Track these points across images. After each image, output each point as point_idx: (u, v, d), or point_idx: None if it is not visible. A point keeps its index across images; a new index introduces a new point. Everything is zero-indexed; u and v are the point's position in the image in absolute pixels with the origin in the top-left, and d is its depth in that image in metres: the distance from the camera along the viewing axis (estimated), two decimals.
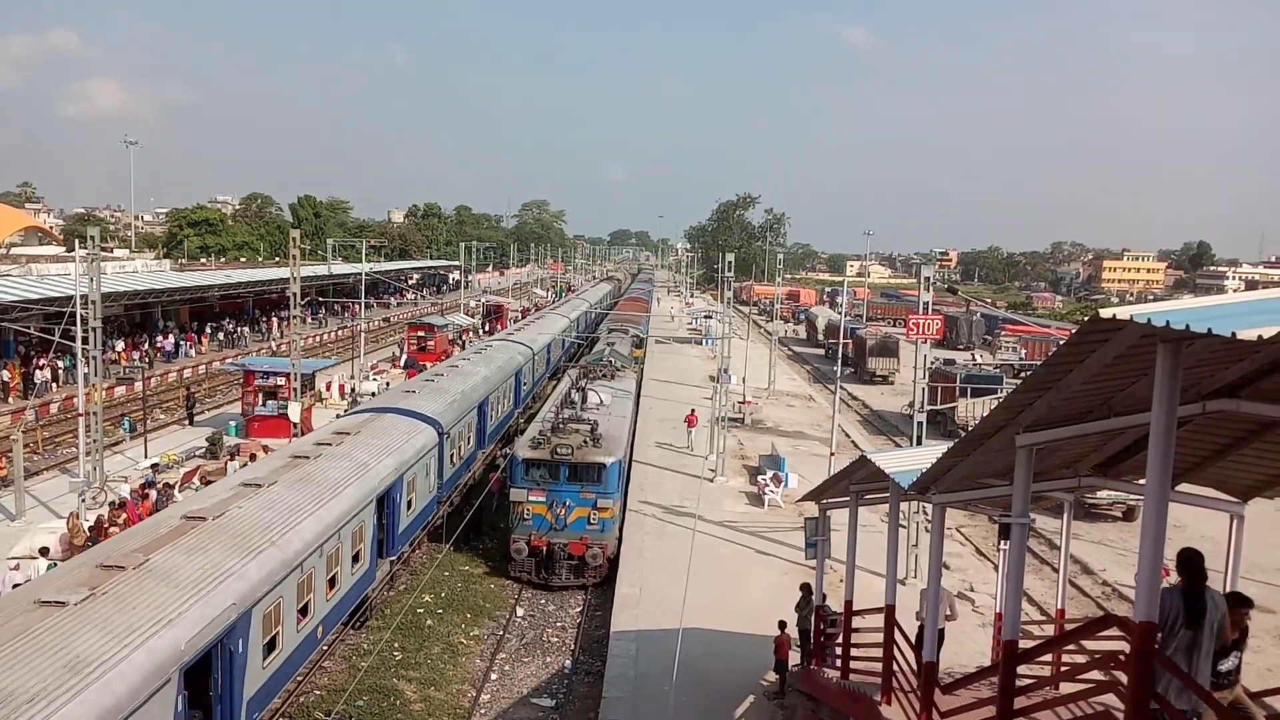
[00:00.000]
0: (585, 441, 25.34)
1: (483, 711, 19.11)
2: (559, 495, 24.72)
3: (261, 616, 14.72)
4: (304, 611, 16.67)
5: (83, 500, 25.96)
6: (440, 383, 32.00)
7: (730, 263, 41.49)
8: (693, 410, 39.86)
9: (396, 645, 20.90)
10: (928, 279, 25.54)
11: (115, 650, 11.21)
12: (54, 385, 46.30)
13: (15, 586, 16.62)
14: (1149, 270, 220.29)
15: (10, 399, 43.81)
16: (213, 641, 13.07)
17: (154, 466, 29.70)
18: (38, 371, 46.03)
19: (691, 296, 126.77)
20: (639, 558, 25.17)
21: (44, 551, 20.43)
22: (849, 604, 14.81)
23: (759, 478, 31.87)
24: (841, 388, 39.62)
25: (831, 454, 32.33)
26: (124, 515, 23.23)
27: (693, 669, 17.74)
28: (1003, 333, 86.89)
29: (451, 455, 28.45)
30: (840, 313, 68.51)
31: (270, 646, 15.19)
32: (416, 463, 24.12)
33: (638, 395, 43.64)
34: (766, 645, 18.44)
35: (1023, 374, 57.43)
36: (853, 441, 41.87)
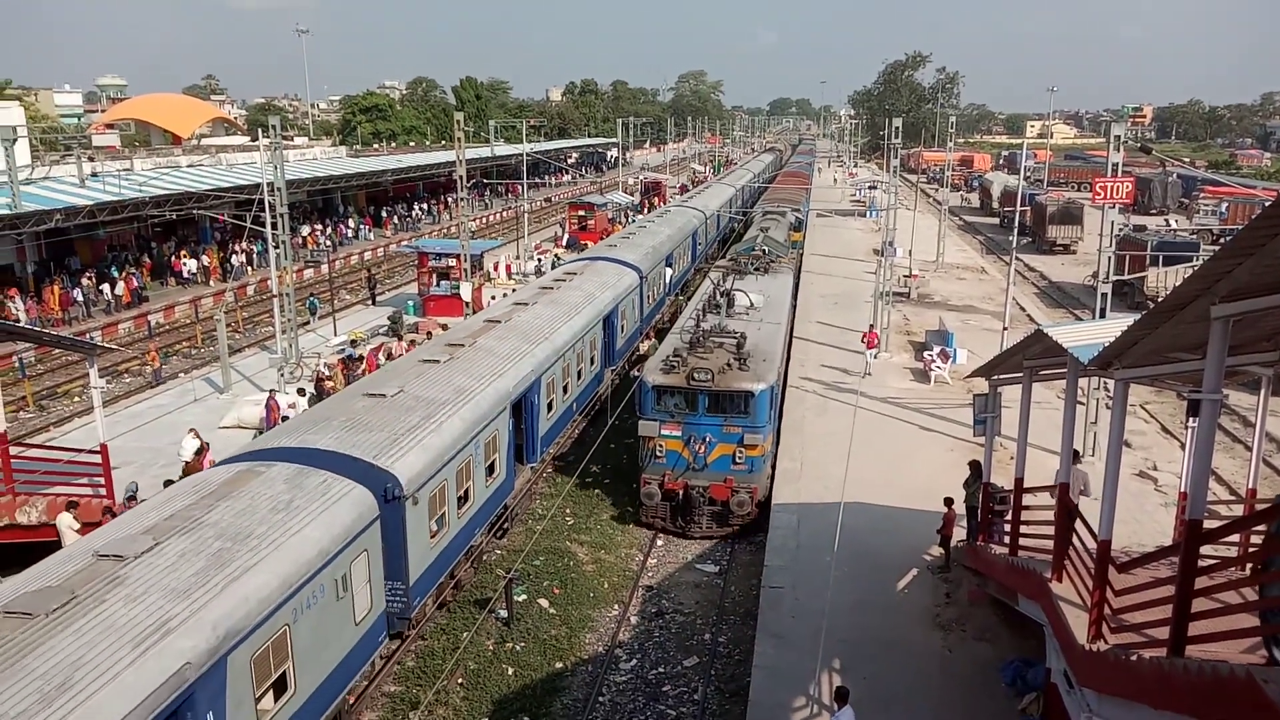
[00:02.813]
0: (729, 364, 21.03)
1: (650, 574, 20.05)
2: (698, 429, 20.53)
3: (545, 383, 21.84)
4: (565, 389, 23.79)
5: (281, 374, 28.24)
6: (634, 239, 38.41)
7: (897, 128, 39.46)
8: (871, 326, 32.43)
9: (568, 511, 22.06)
10: (1118, 138, 23.55)
11: (477, 385, 18.34)
12: (249, 269, 49.92)
13: (284, 418, 22.61)
14: None
15: (211, 282, 47.63)
16: (523, 392, 20.12)
17: (352, 343, 32.04)
18: (234, 256, 49.65)
19: (855, 166, 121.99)
20: (799, 432, 25.24)
21: (301, 392, 25.45)
22: (1019, 481, 14.46)
23: (925, 353, 31.06)
24: (1017, 258, 37.66)
25: (1005, 328, 31.00)
26: (362, 366, 28.12)
27: (854, 542, 17.87)
28: (1202, 195, 79.84)
29: (649, 296, 34.91)
30: (1019, 177, 64.60)
31: (549, 406, 22.31)
32: (625, 298, 30.82)
33: (795, 288, 37.81)
34: (930, 521, 18.35)
35: (1223, 239, 53.10)
36: (1028, 315, 40.01)
